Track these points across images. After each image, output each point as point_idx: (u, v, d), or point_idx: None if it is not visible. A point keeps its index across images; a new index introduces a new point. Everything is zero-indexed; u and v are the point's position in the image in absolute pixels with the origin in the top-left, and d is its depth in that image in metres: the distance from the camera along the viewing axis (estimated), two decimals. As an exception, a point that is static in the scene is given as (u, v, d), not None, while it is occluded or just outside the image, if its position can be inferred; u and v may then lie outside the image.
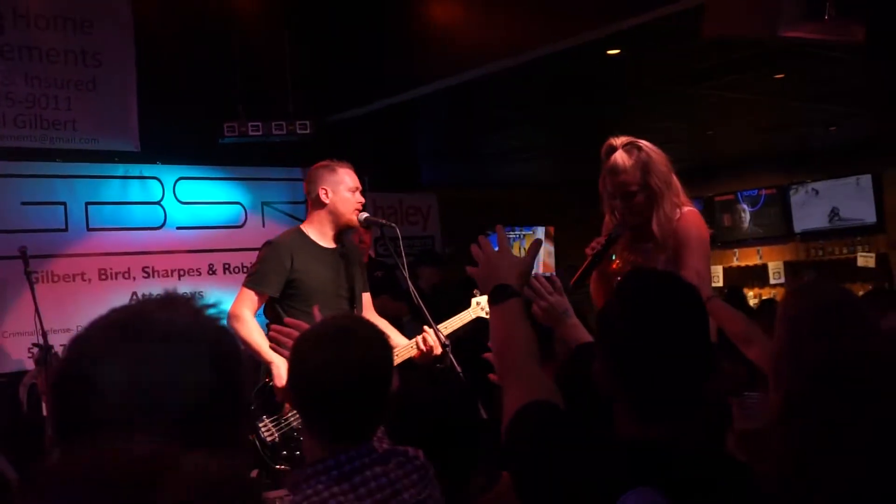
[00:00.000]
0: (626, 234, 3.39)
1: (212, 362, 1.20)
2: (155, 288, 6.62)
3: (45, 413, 5.36)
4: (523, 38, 6.39)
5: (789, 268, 11.52)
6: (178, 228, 7.03)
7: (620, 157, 3.28)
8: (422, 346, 4.11)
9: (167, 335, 1.19)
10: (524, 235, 12.48)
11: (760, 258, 11.97)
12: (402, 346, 4.12)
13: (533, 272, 2.42)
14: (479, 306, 4.20)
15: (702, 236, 3.41)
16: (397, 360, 3.62)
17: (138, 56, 6.86)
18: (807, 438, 1.18)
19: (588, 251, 3.28)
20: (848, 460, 1.12)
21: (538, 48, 6.32)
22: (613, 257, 3.47)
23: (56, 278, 6.38)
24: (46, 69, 6.58)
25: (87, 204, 6.66)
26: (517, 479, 1.95)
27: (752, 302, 10.52)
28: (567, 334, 2.67)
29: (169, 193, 7.00)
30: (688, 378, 1.83)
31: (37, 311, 5.53)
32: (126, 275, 6.75)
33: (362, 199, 4.35)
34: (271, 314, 4.26)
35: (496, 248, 2.28)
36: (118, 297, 6.45)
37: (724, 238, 12.16)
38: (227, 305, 4.13)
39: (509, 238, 12.05)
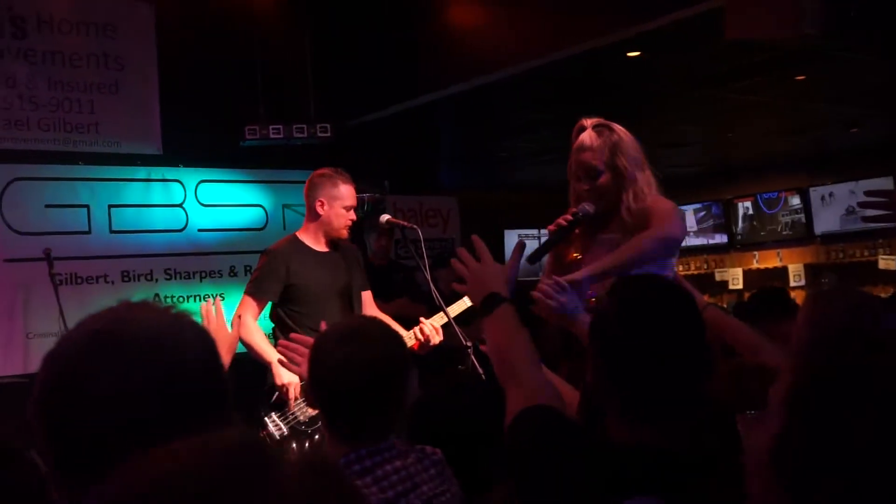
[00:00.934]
0: (586, 224, 3.11)
1: (187, 356, 1.21)
2: (177, 289, 6.78)
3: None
4: (542, 40, 6.42)
5: (809, 270, 11.47)
6: (200, 231, 7.06)
7: (588, 135, 3.11)
8: (419, 336, 4.28)
9: (140, 339, 1.19)
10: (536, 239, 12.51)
11: (780, 261, 11.92)
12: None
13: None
14: None
15: (668, 208, 3.16)
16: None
17: (160, 59, 6.91)
18: (803, 437, 1.11)
19: (551, 227, 3.08)
20: (845, 460, 1.07)
21: (558, 51, 6.31)
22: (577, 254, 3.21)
23: (79, 280, 6.42)
24: (70, 73, 6.63)
25: (109, 206, 6.70)
26: (517, 484, 1.95)
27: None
28: (582, 332, 2.62)
29: (191, 196, 7.03)
30: (680, 379, 1.82)
31: (61, 312, 5.59)
32: (148, 276, 6.80)
33: (354, 217, 4.56)
34: (275, 317, 4.48)
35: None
36: (140, 298, 6.55)
37: (743, 241, 12.14)
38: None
39: (528, 237, 12.09)
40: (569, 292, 2.66)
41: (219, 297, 3.92)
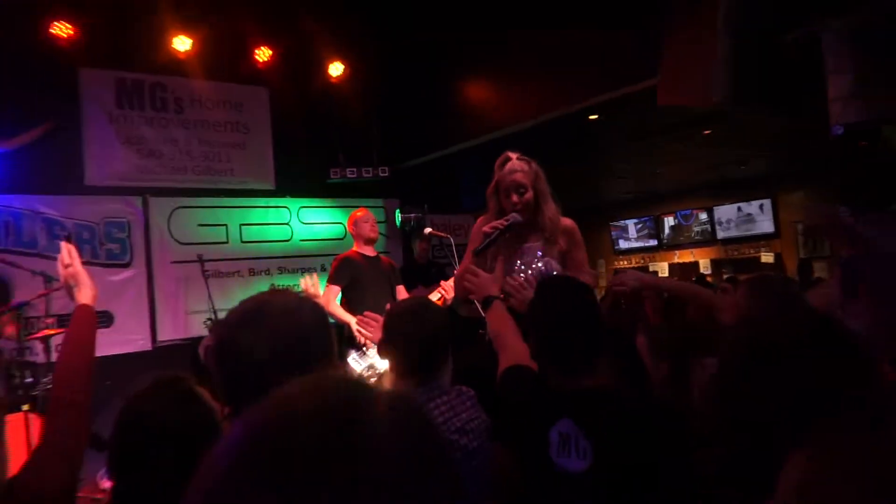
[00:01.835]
0: (512, 232, 2.87)
1: (311, 328, 1.29)
2: (286, 280, 6.82)
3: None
4: (532, 109, 6.41)
5: (713, 263, 11.50)
6: (301, 241, 7.11)
7: (517, 162, 2.89)
8: (443, 292, 4.28)
9: (276, 311, 1.27)
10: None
11: (693, 257, 11.94)
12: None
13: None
14: None
15: (580, 238, 3.02)
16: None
17: (273, 124, 6.97)
18: (728, 387, 1.07)
19: (488, 229, 2.83)
20: (759, 404, 1.02)
21: (541, 115, 6.32)
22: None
23: (221, 274, 6.48)
24: (213, 135, 6.71)
25: (240, 224, 6.77)
26: (501, 414, 2.03)
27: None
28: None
29: (294, 217, 7.09)
30: (584, 347, 1.83)
31: (209, 296, 5.63)
32: (266, 272, 6.86)
33: (375, 235, 4.80)
34: (344, 298, 4.61)
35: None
36: (261, 286, 6.63)
37: (668, 243, 12.18)
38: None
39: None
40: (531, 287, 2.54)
41: (315, 273, 4.04)
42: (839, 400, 0.97)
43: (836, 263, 4.23)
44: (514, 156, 2.93)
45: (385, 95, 7.28)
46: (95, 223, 6.06)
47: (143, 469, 1.36)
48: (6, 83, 5.48)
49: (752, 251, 11.06)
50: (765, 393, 1.01)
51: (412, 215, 6.33)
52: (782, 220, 10.65)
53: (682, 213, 11.86)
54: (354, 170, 7.07)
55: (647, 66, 4.80)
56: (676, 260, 12.19)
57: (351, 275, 4.61)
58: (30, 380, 4.44)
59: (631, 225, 12.64)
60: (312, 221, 7.19)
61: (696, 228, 11.70)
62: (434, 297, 4.34)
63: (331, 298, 4.54)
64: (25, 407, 4.19)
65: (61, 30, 5.68)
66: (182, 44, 6.15)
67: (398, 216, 7.23)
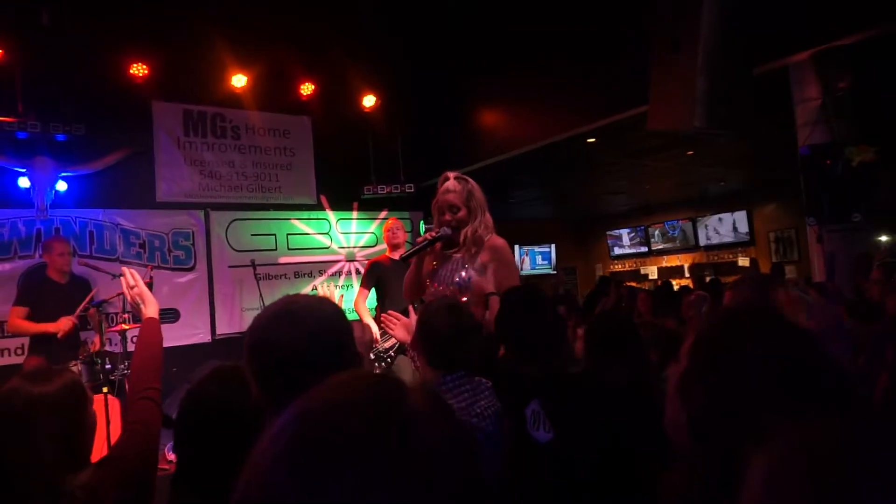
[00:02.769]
0: (444, 243, 2.76)
1: (331, 325, 1.25)
2: (325, 281, 6.81)
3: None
4: (536, 133, 6.40)
5: (695, 266, 11.39)
6: (339, 247, 7.09)
7: (452, 183, 2.76)
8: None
9: (303, 311, 1.24)
10: (536, 251, 12.49)
11: (679, 261, 11.85)
12: None
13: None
14: None
15: (511, 259, 2.84)
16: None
17: (315, 147, 6.98)
18: (696, 374, 0.92)
19: (419, 240, 2.74)
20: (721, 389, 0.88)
21: (546, 139, 6.31)
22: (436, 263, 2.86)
23: (271, 277, 6.50)
24: (264, 158, 6.73)
25: (287, 234, 6.77)
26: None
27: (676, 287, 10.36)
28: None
29: (333, 227, 7.09)
30: (542, 340, 1.98)
31: (260, 295, 5.69)
32: (309, 274, 6.84)
33: (398, 234, 4.79)
34: (378, 297, 4.62)
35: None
36: (304, 287, 6.68)
37: (657, 250, 12.09)
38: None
39: (531, 251, 11.94)
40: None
41: (332, 285, 4.02)
42: (794, 393, 0.83)
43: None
44: (451, 175, 2.79)
45: (411, 122, 7.27)
46: (165, 233, 6.13)
47: (203, 446, 1.36)
48: (93, 115, 5.58)
49: (730, 256, 10.94)
50: (714, 391, 0.88)
51: (433, 228, 6.32)
52: (757, 229, 10.53)
53: (670, 223, 11.77)
54: (385, 187, 7.08)
55: (637, 95, 4.80)
56: (664, 264, 12.09)
57: (377, 277, 4.58)
58: (108, 366, 4.51)
59: (624, 234, 12.56)
60: (348, 231, 7.19)
61: (681, 236, 11.60)
62: None
63: (359, 300, 4.52)
64: (105, 389, 4.25)
65: (138, 69, 5.78)
66: (238, 80, 6.23)
67: (422, 227, 7.25)
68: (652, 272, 12.20)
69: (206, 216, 6.35)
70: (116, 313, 5.38)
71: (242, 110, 6.51)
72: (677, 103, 3.87)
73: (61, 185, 5.60)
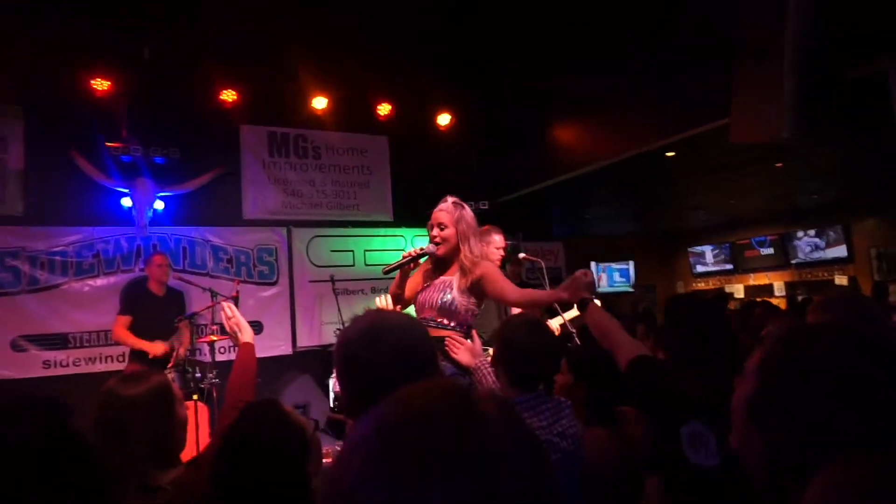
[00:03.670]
0: (429, 264, 2.85)
1: (420, 343, 1.27)
2: (383, 294, 6.91)
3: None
4: (611, 148, 6.26)
5: (788, 286, 10.77)
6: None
7: (447, 204, 2.82)
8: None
9: (390, 328, 1.26)
10: (614, 268, 12.15)
11: (768, 279, 11.24)
12: None
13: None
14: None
15: (500, 275, 2.81)
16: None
17: (392, 166, 7.12)
18: (766, 394, 0.88)
19: (405, 255, 2.81)
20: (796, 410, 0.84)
21: (622, 154, 6.15)
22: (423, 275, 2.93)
23: (348, 292, 6.57)
24: (343, 177, 6.91)
25: (364, 250, 6.88)
26: (638, 406, 1.95)
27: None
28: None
29: (409, 244, 7.11)
30: (537, 368, 1.97)
31: (339, 309, 5.80)
32: (385, 290, 6.88)
33: (502, 256, 4.23)
34: None
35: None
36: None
37: (744, 268, 11.52)
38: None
39: (608, 268, 11.64)
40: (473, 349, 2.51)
41: (387, 295, 3.85)
42: (868, 425, 0.79)
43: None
44: (450, 199, 2.85)
45: (485, 139, 7.29)
46: (250, 249, 6.41)
47: (238, 487, 1.34)
48: (187, 139, 5.97)
49: (825, 274, 10.27)
50: (795, 421, 0.83)
51: (508, 243, 6.29)
52: (856, 245, 9.83)
53: (758, 239, 11.20)
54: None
55: (719, 107, 4.64)
56: (752, 282, 11.50)
57: None
58: (198, 375, 4.75)
59: (708, 251, 12.05)
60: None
61: (771, 253, 11.02)
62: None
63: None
64: (195, 397, 4.48)
65: (227, 96, 6.14)
66: (319, 102, 6.47)
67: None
68: (738, 291, 11.63)
69: (289, 233, 6.57)
70: (206, 325, 5.66)
71: (323, 131, 6.74)
72: (763, 114, 3.70)
73: (159, 205, 5.99)
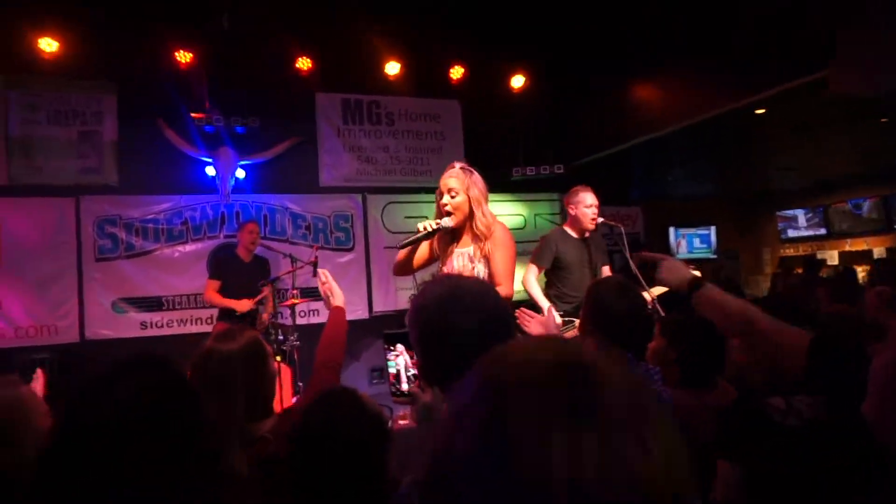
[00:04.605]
0: (445, 235, 2.79)
1: (500, 308, 1.27)
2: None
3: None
4: (695, 107, 5.99)
5: (888, 251, 10.03)
6: (487, 229, 7.17)
7: (455, 170, 2.79)
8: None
9: (466, 295, 1.25)
10: (694, 234, 11.69)
11: (867, 245, 10.52)
12: None
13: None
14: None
15: (508, 243, 2.77)
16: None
17: (464, 131, 7.09)
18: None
19: (420, 228, 2.75)
20: None
21: (706, 112, 5.86)
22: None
23: None
24: (416, 143, 6.95)
25: None
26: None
27: (861, 276, 9.23)
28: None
29: None
30: (627, 330, 1.93)
31: (413, 275, 5.92)
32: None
33: (596, 214, 4.11)
34: (547, 279, 4.22)
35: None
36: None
37: (839, 232, 10.82)
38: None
39: (688, 234, 11.24)
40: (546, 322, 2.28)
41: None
42: None
43: None
44: (457, 165, 2.81)
45: (560, 101, 7.15)
46: (327, 216, 6.58)
47: (311, 474, 1.35)
48: (265, 108, 6.16)
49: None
50: None
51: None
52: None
53: (855, 201, 10.47)
54: (534, 168, 7.04)
55: (816, 58, 4.33)
56: (847, 248, 10.80)
57: (556, 255, 4.12)
58: (281, 337, 4.98)
59: (801, 214, 11.36)
60: (497, 213, 7.17)
61: (870, 216, 10.28)
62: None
63: (530, 277, 4.16)
64: (278, 358, 4.71)
65: (303, 63, 6.25)
66: (392, 68, 6.49)
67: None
68: (832, 257, 10.97)
69: (364, 200, 6.70)
70: (287, 289, 5.91)
71: (396, 97, 6.78)
72: (866, 62, 3.44)
73: (240, 173, 6.23)
